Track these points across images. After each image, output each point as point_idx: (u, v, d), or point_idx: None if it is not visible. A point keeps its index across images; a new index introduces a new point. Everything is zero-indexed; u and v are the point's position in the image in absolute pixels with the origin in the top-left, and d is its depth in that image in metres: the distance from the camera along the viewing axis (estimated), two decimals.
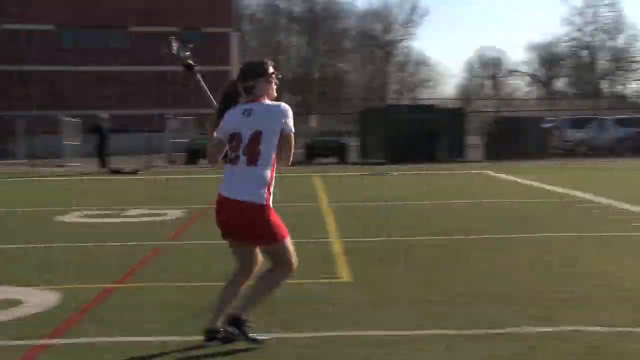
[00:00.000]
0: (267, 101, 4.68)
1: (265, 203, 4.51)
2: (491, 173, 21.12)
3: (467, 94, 71.76)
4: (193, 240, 9.22)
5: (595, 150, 32.19)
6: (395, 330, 4.95)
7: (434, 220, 10.74)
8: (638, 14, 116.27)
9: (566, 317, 5.17)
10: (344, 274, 6.86)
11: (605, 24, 73.38)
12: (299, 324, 5.14)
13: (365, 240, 8.97)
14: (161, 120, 33.38)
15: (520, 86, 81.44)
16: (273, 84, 4.73)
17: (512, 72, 78.69)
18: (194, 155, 28.31)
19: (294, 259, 4.66)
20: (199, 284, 6.47)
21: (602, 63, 75.56)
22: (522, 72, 79.33)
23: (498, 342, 4.65)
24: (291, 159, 4.67)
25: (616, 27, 73.52)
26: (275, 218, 4.57)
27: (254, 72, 4.71)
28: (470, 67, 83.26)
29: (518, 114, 45.72)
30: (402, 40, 63.85)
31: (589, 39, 74.19)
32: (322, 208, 12.49)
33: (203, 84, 4.99)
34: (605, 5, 73.11)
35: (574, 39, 74.90)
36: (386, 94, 64.40)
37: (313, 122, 45.73)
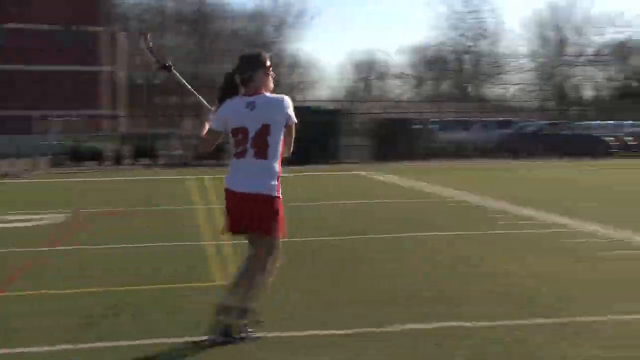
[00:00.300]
0: (268, 93, 4.74)
1: (276, 195, 4.61)
2: (373, 175, 21.51)
3: (351, 95, 72.86)
4: (75, 246, 8.88)
5: (477, 151, 33.37)
6: (299, 331, 4.95)
7: (331, 221, 10.82)
8: (505, 21, 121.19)
9: (463, 313, 5.32)
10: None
11: (471, 29, 76.40)
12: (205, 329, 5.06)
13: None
14: (41, 121, 32.16)
15: (403, 88, 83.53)
16: (270, 76, 4.80)
17: (395, 73, 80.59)
18: (77, 157, 27.52)
19: (280, 255, 4.77)
20: (79, 290, 6.26)
21: (478, 67, 78.56)
22: (406, 74, 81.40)
23: (404, 340, 4.73)
24: (291, 149, 4.78)
25: (481, 32, 76.70)
26: (282, 211, 4.68)
27: (252, 64, 4.76)
28: (355, 69, 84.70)
29: (399, 115, 46.71)
30: (276, 42, 64.12)
31: (462, 43, 76.98)
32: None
33: (184, 81, 5.06)
34: (471, 12, 76.21)
35: (445, 43, 77.54)
36: None
37: None
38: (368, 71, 48.41)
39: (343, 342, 4.70)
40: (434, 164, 27.21)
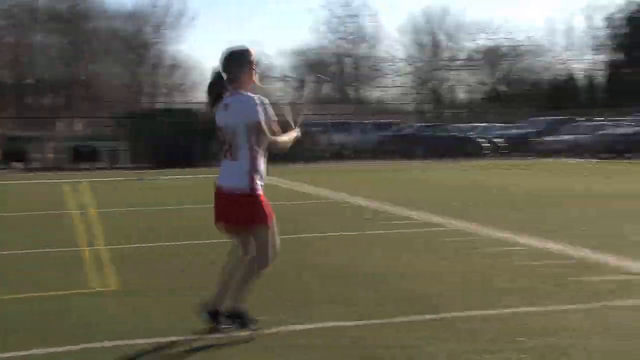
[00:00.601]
0: (244, 93, 4.81)
1: (249, 191, 4.73)
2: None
3: None
4: None
5: (357, 153, 33.93)
6: (158, 337, 4.83)
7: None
8: (381, 24, 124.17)
9: (344, 314, 5.36)
10: (112, 282, 6.59)
11: (351, 33, 77.89)
12: (64, 337, 4.84)
13: (132, 247, 8.69)
14: None
15: (286, 90, 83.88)
16: (254, 72, 4.90)
17: (278, 76, 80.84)
18: None
19: (271, 252, 4.88)
20: None
21: (357, 70, 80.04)
22: (288, 76, 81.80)
23: (287, 343, 4.71)
24: (279, 143, 4.88)
25: (360, 36, 78.33)
26: (262, 205, 4.79)
27: (236, 61, 4.85)
28: None
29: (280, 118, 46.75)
30: (155, 42, 62.94)
31: (339, 46, 78.23)
32: (89, 216, 11.90)
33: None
34: (350, 15, 77.67)
35: (323, 46, 78.62)
36: (153, 97, 63.15)
37: (79, 125, 43.65)
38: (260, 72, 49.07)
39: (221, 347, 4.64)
40: (315, 166, 27.45)
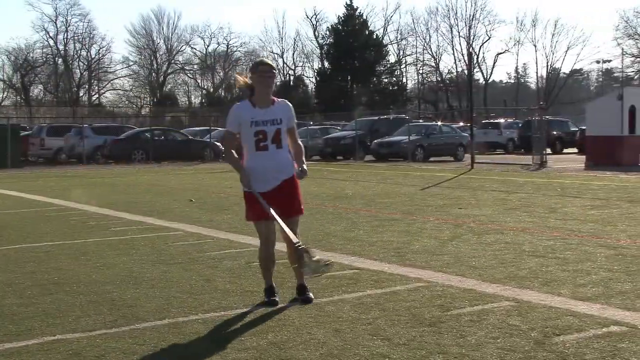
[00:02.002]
0: (246, 100, 5.59)
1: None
2: None
3: None
4: None
5: (73, 158, 32.51)
6: None
7: None
8: (106, 26, 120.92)
9: (61, 325, 5.05)
10: None
11: (78, 33, 74.90)
12: None
13: None
14: None
15: None
16: (261, 80, 5.45)
17: None
18: None
19: (260, 241, 5.69)
20: None
21: (78, 72, 76.93)
22: None
23: None
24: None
25: (89, 37, 75.65)
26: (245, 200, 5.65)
27: (251, 69, 5.63)
28: None
29: None
30: None
31: (63, 47, 74.77)
32: None
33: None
34: (77, 15, 74.70)
35: (48, 46, 74.65)
36: None
37: None
38: None
39: None
40: (28, 172, 25.81)
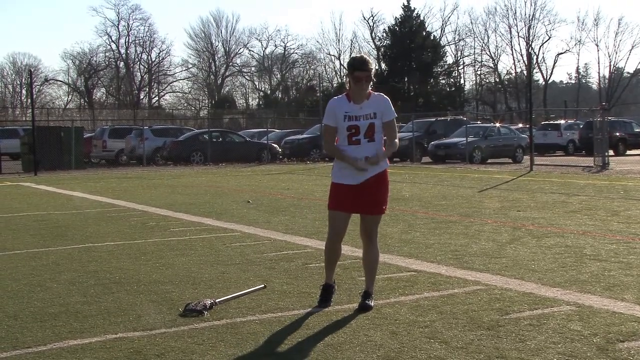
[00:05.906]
0: (343, 94, 5.69)
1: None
2: (33, 185, 20.23)
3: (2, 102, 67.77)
4: None
5: (133, 160, 33.13)
6: None
7: None
8: (166, 29, 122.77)
9: (123, 324, 5.15)
10: None
11: (139, 37, 76.34)
12: None
13: None
14: None
15: (58, 95, 79.92)
16: (356, 83, 5.48)
17: (49, 80, 76.77)
18: None
19: (329, 232, 5.69)
20: None
21: (139, 75, 78.38)
22: (60, 81, 77.98)
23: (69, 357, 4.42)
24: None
25: (150, 41, 77.03)
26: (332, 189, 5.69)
27: (347, 68, 5.62)
28: (16, 74, 78.92)
29: (58, 123, 44.71)
30: None
31: (124, 51, 76.31)
32: None
33: None
34: (138, 19, 76.12)
35: (111, 50, 76.28)
36: None
37: None
38: (29, 76, 45.64)
39: None
40: (91, 173, 26.38)
